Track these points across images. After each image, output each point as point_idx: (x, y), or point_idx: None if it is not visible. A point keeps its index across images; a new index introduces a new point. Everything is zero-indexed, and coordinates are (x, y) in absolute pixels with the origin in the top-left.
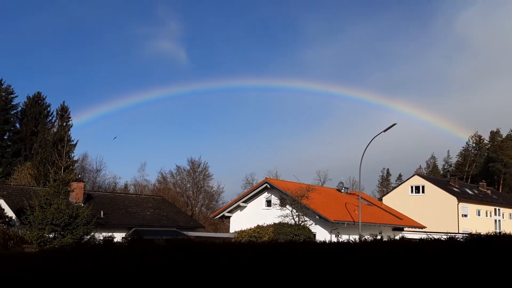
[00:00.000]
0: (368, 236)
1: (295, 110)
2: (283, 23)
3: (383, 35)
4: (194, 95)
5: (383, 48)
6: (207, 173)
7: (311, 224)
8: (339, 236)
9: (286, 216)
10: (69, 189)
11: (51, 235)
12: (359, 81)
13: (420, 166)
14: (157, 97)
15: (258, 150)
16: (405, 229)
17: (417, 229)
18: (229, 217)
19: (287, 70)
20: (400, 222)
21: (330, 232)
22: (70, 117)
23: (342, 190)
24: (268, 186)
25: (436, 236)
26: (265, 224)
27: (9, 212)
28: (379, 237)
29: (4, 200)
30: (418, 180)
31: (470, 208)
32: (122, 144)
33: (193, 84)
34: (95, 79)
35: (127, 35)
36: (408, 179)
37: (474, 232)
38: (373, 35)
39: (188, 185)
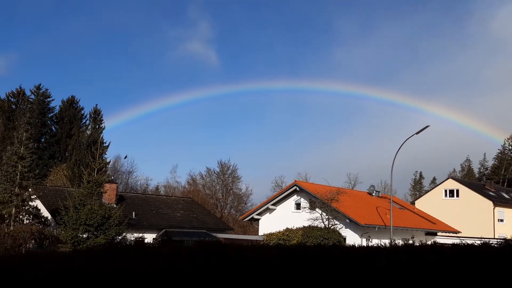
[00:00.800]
0: (400, 241)
1: (325, 112)
2: (314, 23)
3: (417, 35)
4: (225, 97)
5: (417, 48)
6: (236, 175)
7: (341, 227)
8: (370, 240)
9: (316, 219)
10: (102, 190)
11: (84, 235)
12: (391, 82)
13: (454, 170)
14: (187, 99)
15: (287, 152)
16: (438, 233)
17: (451, 234)
18: (258, 219)
19: (318, 71)
20: (433, 226)
21: (361, 236)
22: (102, 120)
23: (373, 194)
24: (297, 189)
25: (470, 242)
26: (294, 227)
27: (45, 212)
28: (411, 241)
29: (40, 200)
30: (452, 184)
31: (507, 212)
32: (154, 146)
33: (223, 86)
34: (127, 82)
35: (158, 38)
36: (441, 183)
37: (510, 237)
38: (407, 34)
39: (217, 187)
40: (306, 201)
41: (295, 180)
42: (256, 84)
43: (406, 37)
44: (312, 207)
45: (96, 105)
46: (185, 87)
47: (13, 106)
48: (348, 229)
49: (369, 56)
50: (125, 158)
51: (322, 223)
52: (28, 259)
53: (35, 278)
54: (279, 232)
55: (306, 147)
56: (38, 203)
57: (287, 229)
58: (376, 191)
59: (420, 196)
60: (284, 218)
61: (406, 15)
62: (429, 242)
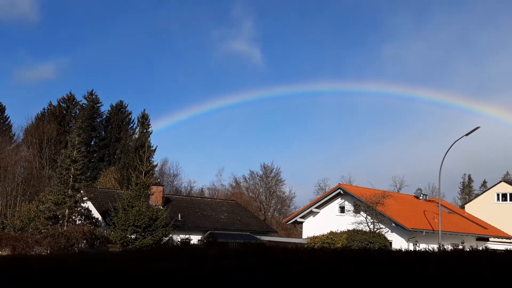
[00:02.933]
0: (449, 246)
1: (372, 113)
2: (363, 19)
3: (474, 26)
4: (269, 100)
5: (473, 41)
6: (279, 178)
7: (387, 231)
8: (417, 245)
9: (360, 223)
10: (149, 193)
11: (133, 236)
12: (442, 81)
13: (507, 173)
14: (232, 102)
15: (331, 155)
16: (490, 239)
17: (504, 240)
18: (301, 222)
19: (366, 71)
20: (484, 231)
21: (407, 241)
22: (150, 124)
23: (420, 197)
24: (341, 192)
25: None
26: (338, 231)
27: (96, 214)
28: (461, 247)
29: (91, 202)
30: (505, 187)
31: None
32: (198, 149)
33: (267, 88)
34: (173, 85)
35: (202, 38)
36: (493, 186)
37: None
38: (463, 25)
39: (260, 190)
40: (350, 204)
41: (339, 183)
42: (301, 86)
43: (462, 29)
44: (356, 211)
45: (144, 110)
46: (230, 89)
47: (64, 112)
48: (394, 233)
49: (420, 52)
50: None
51: (367, 227)
52: (82, 258)
53: (91, 275)
54: (323, 235)
55: (351, 149)
56: (89, 205)
57: (331, 232)
58: (423, 194)
59: (470, 200)
60: (328, 221)
61: (463, 3)
62: (480, 248)
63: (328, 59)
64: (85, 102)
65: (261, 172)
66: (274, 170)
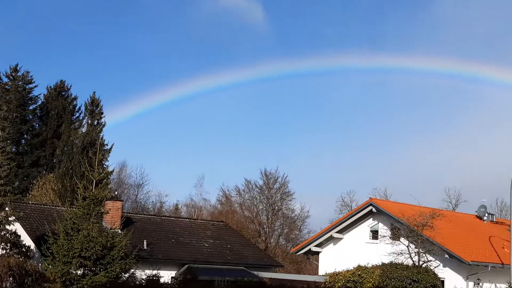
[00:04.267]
0: None
1: (416, 100)
2: None
3: None
4: (273, 80)
5: None
6: (286, 190)
7: (437, 266)
8: (480, 285)
9: (400, 253)
10: (102, 210)
11: (79, 272)
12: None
13: None
14: (219, 83)
15: (359, 158)
16: None
17: None
18: (317, 252)
19: (408, 40)
20: None
21: (466, 279)
22: (102, 113)
23: (485, 218)
24: (373, 210)
25: None
26: (369, 265)
27: (27, 240)
28: None
29: (20, 223)
30: None
31: None
32: (172, 150)
33: (271, 62)
34: (136, 58)
35: None
36: None
37: None
38: None
39: (260, 207)
40: (386, 228)
41: (370, 198)
42: (317, 60)
43: None
44: (394, 236)
45: (94, 93)
46: (217, 64)
47: None
48: (447, 268)
49: (485, 11)
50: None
51: (409, 259)
52: None
53: None
54: (348, 271)
55: (387, 150)
56: (17, 227)
57: (359, 266)
58: (488, 213)
59: None
60: (354, 251)
61: None
62: None
63: (357, 22)
64: (7, 81)
65: (261, 182)
66: (280, 179)
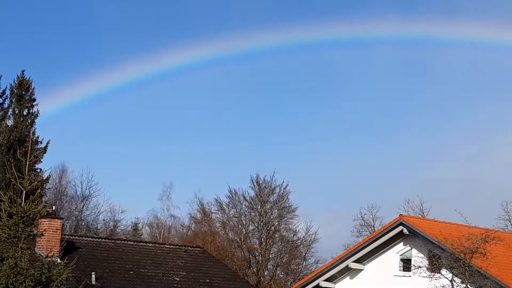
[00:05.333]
0: None
1: (464, 83)
2: None
3: None
4: (267, 55)
5: None
6: (286, 204)
7: None
8: None
9: None
10: (35, 232)
11: None
12: None
13: None
14: (195, 58)
15: (385, 161)
16: None
17: None
18: None
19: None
20: None
21: None
22: (35, 100)
23: None
24: (404, 231)
25: None
26: None
27: None
28: None
29: None
30: None
31: None
32: (129, 149)
33: (268, 28)
34: (81, 23)
35: None
36: None
37: None
38: None
39: (251, 227)
40: (422, 255)
41: (400, 215)
42: (332, 27)
43: None
44: (434, 267)
45: (23, 72)
46: (191, 33)
47: None
48: None
49: None
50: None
51: None
52: None
53: None
54: None
55: (425, 152)
56: None
57: None
58: None
59: None
60: (380, 287)
61: None
62: None
63: None
64: None
65: (252, 193)
66: (277, 189)
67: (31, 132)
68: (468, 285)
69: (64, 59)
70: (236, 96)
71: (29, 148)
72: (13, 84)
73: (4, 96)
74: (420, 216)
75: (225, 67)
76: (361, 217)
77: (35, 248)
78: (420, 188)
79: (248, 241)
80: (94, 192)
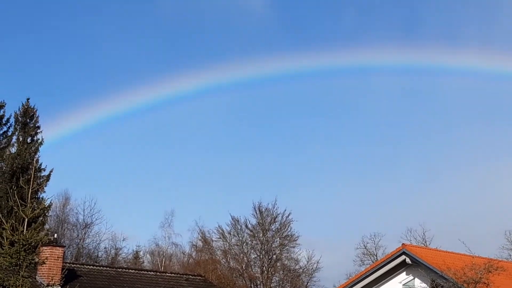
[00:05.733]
0: None
1: (476, 113)
2: None
3: None
4: (270, 82)
5: None
6: (288, 233)
7: None
8: None
9: None
10: (37, 260)
11: None
12: None
13: None
14: (198, 86)
15: (388, 190)
16: None
17: None
18: None
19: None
20: None
21: None
22: (39, 128)
23: None
24: (407, 260)
25: None
26: None
27: None
28: None
29: None
30: None
31: None
32: (131, 177)
33: (270, 57)
34: (85, 51)
35: None
36: None
37: None
38: None
39: (252, 256)
40: (426, 285)
41: (403, 244)
42: (335, 56)
43: None
44: None
45: (28, 100)
46: (194, 60)
47: None
48: None
49: None
50: None
51: None
52: None
53: None
54: None
55: (428, 180)
56: None
57: None
58: None
59: None
60: None
61: None
62: None
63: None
64: None
65: (253, 221)
66: (280, 217)
67: (35, 160)
68: None
69: (67, 87)
70: (237, 124)
71: (32, 175)
72: (18, 112)
73: (8, 124)
74: (423, 245)
75: (226, 95)
76: (364, 246)
77: (36, 276)
78: (422, 217)
79: (250, 270)
80: (96, 219)
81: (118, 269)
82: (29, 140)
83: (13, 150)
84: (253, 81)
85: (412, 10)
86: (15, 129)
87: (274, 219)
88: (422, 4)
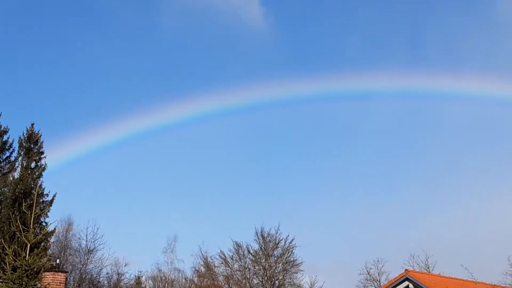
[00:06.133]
0: None
1: (479, 138)
2: None
3: None
4: (273, 107)
5: None
6: (291, 258)
7: None
8: None
9: None
10: (39, 286)
11: None
12: None
13: None
14: (200, 112)
15: (390, 215)
16: None
17: None
18: None
19: (465, 54)
20: None
21: None
22: (43, 153)
23: None
24: (410, 286)
25: None
26: None
27: None
28: None
29: None
30: None
31: None
32: (134, 202)
33: (273, 82)
34: (87, 78)
35: None
36: None
37: None
38: None
39: (255, 281)
40: None
41: (406, 270)
42: (336, 81)
43: None
44: None
45: (32, 126)
46: (196, 86)
47: None
48: None
49: None
50: None
51: None
52: None
53: None
54: None
55: (431, 206)
56: None
57: None
58: None
59: None
60: None
61: None
62: None
63: (390, 28)
64: None
65: (256, 246)
66: (282, 243)
67: (38, 185)
68: None
69: (72, 112)
70: (240, 149)
71: (35, 201)
72: (22, 137)
73: (11, 149)
74: (426, 271)
75: (229, 120)
76: (367, 271)
77: None
78: (425, 242)
79: None
80: (99, 245)
81: None
82: (32, 165)
83: (16, 175)
84: (255, 106)
85: (414, 36)
86: (19, 154)
87: (277, 245)
88: (425, 30)
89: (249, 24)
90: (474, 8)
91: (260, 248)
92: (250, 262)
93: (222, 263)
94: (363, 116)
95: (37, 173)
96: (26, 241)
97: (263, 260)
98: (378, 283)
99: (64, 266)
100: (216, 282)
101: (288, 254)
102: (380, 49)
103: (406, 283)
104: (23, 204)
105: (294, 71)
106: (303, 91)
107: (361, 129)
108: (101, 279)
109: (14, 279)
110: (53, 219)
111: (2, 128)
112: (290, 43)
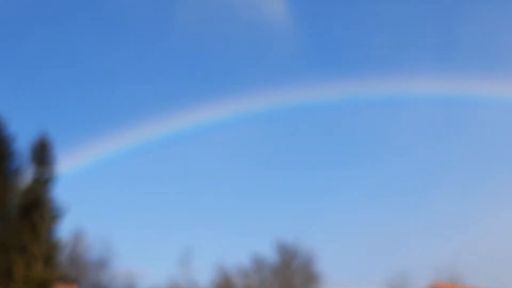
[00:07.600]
0: None
1: (502, 143)
2: None
3: None
4: (294, 113)
5: None
6: (311, 271)
7: None
8: None
9: None
10: None
11: None
12: None
13: None
14: (218, 118)
15: (417, 226)
16: None
17: None
18: None
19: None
20: None
21: None
22: (54, 161)
23: None
24: None
25: None
26: None
27: None
28: None
29: None
30: None
31: None
32: (149, 212)
33: (296, 86)
34: (100, 81)
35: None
36: None
37: None
38: None
39: None
40: None
41: (434, 281)
42: (365, 85)
43: None
44: None
45: (44, 134)
46: (213, 91)
47: None
48: None
49: None
50: None
51: None
52: None
53: None
54: None
55: (463, 216)
56: None
57: None
58: None
59: None
60: None
61: None
62: None
63: (425, 27)
64: None
65: (275, 259)
66: (302, 255)
67: (49, 195)
68: None
69: (84, 121)
70: (261, 157)
71: (46, 211)
72: (33, 145)
73: (22, 157)
74: (453, 284)
75: (247, 127)
76: (391, 284)
77: None
78: (453, 254)
79: None
80: (111, 257)
81: None
82: (43, 174)
83: (26, 184)
84: (279, 111)
85: (446, 38)
86: (30, 162)
87: (297, 256)
88: (457, 32)
89: (272, 22)
90: None
91: (280, 260)
92: (269, 275)
93: (241, 275)
94: (392, 123)
95: (48, 183)
96: (38, 253)
97: (284, 272)
98: None
99: (76, 279)
100: None
101: (308, 267)
102: (409, 51)
103: None
104: (33, 214)
105: (319, 75)
106: (331, 97)
107: (390, 136)
108: None
109: None
110: (64, 230)
111: (11, 136)
112: (314, 44)
